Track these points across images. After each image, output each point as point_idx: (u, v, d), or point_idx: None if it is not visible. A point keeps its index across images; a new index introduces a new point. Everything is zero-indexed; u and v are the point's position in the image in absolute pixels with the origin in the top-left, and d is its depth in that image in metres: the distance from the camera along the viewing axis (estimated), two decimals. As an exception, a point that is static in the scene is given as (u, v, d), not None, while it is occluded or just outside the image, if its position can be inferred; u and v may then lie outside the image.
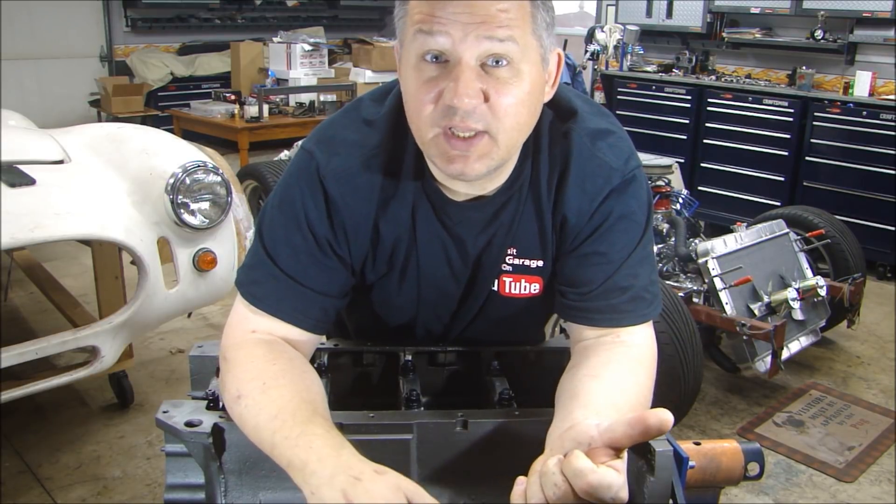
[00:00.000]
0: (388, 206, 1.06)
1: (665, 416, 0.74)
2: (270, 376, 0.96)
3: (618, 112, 5.98)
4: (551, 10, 0.96)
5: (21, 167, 2.35)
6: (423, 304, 1.16)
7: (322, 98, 7.36)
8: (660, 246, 3.50)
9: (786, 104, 5.16)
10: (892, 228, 4.67)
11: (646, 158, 3.74)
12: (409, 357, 1.19)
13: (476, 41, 0.88)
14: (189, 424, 0.95)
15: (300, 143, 1.14)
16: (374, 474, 0.80)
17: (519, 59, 0.91)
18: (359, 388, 1.24)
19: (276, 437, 0.88)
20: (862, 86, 4.99)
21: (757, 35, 5.80)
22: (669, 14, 6.18)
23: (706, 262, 3.08)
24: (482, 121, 0.91)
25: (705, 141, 5.60)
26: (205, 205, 2.44)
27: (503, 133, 0.93)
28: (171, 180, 2.36)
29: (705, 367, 2.93)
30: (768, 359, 3.00)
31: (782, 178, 5.21)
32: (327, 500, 0.80)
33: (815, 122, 5.02)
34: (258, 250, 1.06)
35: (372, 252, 1.09)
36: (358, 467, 0.81)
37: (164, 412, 0.98)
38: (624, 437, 0.77)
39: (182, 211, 2.37)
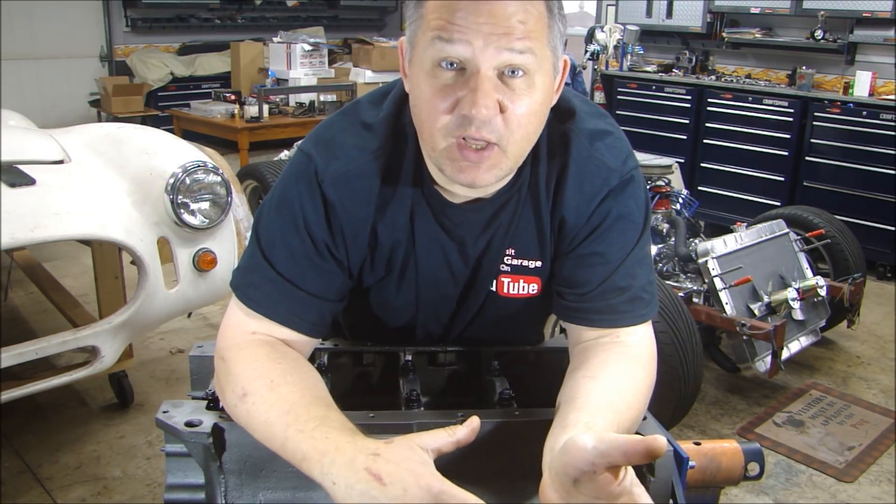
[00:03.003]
0: (386, 210, 1.06)
1: (659, 444, 0.73)
2: (277, 374, 0.96)
3: (618, 112, 5.98)
4: (565, 20, 0.96)
5: (21, 167, 2.35)
6: (422, 306, 1.16)
7: (322, 98, 7.36)
8: (660, 246, 3.50)
9: (786, 104, 5.16)
10: (892, 228, 4.67)
11: (646, 158, 3.75)
12: (409, 357, 1.19)
13: (496, 52, 0.88)
14: (189, 424, 0.95)
15: (298, 144, 1.13)
16: (388, 445, 0.82)
17: (535, 70, 0.91)
18: (359, 388, 1.24)
19: (289, 430, 0.88)
20: (862, 86, 4.99)
21: (757, 35, 5.80)
22: (669, 14, 6.18)
23: (706, 262, 3.08)
24: (496, 132, 0.91)
25: (705, 141, 5.61)
26: (205, 205, 2.44)
27: (513, 144, 0.93)
28: (171, 180, 2.36)
29: (705, 367, 2.93)
30: (768, 359, 3.00)
31: (782, 178, 5.21)
32: (352, 484, 0.80)
33: (815, 122, 5.02)
34: (255, 252, 1.05)
35: (370, 255, 1.09)
36: (373, 445, 0.83)
37: (164, 412, 0.98)
38: (621, 463, 0.76)
39: (182, 211, 2.37)
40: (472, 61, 0.89)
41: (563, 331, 1.21)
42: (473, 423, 0.86)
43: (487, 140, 0.91)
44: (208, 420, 0.96)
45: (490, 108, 0.89)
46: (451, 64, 0.90)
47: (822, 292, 3.25)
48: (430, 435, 0.84)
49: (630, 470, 0.79)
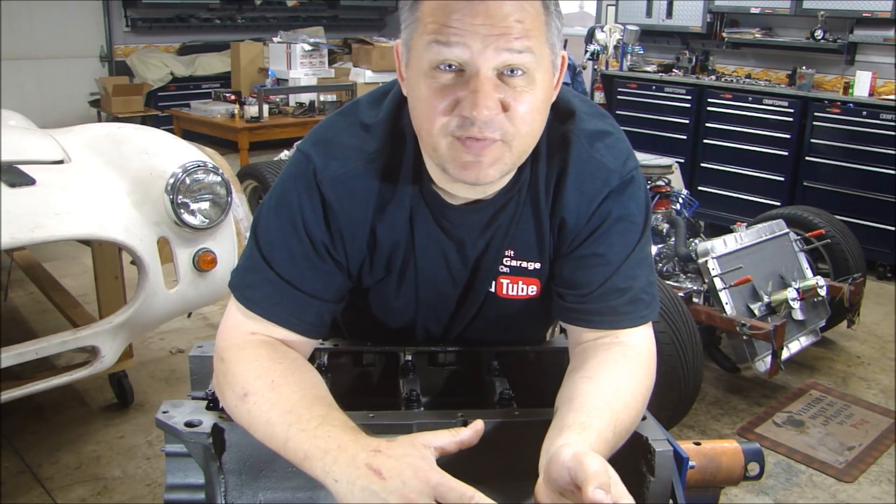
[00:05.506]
0: (385, 211, 1.06)
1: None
2: (278, 374, 0.96)
3: (618, 112, 5.98)
4: (562, 16, 0.96)
5: (21, 167, 2.35)
6: (422, 306, 1.16)
7: (322, 98, 7.36)
8: (660, 246, 3.50)
9: (786, 104, 5.16)
10: (892, 228, 4.67)
11: (646, 158, 3.75)
12: (409, 357, 1.19)
13: (495, 53, 0.88)
14: (189, 425, 0.95)
15: (297, 144, 1.13)
16: (390, 443, 0.84)
17: (534, 68, 0.91)
18: (359, 388, 1.24)
19: (291, 430, 0.88)
20: (862, 86, 4.99)
21: (757, 35, 5.81)
22: (669, 14, 6.18)
23: (706, 262, 3.08)
24: (500, 130, 0.91)
25: (705, 141, 5.61)
26: (205, 205, 2.44)
27: (518, 139, 0.93)
28: (171, 180, 2.36)
29: (705, 367, 2.93)
30: (768, 359, 3.00)
31: (782, 178, 5.21)
32: (354, 480, 0.81)
33: (815, 122, 5.02)
34: (253, 253, 1.05)
35: (369, 256, 1.09)
36: (374, 443, 0.84)
37: (164, 412, 0.98)
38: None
39: (182, 211, 2.37)
40: (471, 63, 0.89)
41: (563, 331, 1.21)
42: (477, 425, 0.88)
43: (491, 138, 0.91)
44: (208, 420, 0.96)
45: (492, 108, 0.89)
46: (450, 66, 0.90)
47: (822, 292, 3.25)
48: (434, 434, 0.85)
49: (613, 472, 0.80)
